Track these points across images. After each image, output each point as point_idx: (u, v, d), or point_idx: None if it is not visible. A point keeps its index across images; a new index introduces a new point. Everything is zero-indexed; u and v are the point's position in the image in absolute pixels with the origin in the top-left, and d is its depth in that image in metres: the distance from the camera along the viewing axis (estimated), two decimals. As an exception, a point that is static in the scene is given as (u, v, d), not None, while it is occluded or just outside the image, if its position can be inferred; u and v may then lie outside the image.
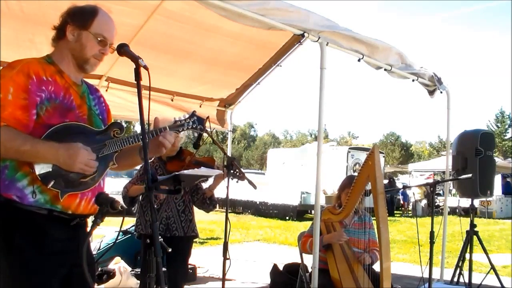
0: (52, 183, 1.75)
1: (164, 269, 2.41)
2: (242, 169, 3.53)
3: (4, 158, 1.72)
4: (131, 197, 3.46)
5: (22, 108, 1.72)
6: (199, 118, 2.09)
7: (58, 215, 1.79)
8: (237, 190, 3.86)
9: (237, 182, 3.48)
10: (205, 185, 3.78)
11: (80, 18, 1.90)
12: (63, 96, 1.85)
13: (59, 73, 1.88)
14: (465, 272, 4.72)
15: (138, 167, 3.65)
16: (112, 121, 2.13)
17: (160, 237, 1.74)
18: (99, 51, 1.93)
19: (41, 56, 1.94)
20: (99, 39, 1.91)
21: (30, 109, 1.74)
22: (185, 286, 3.65)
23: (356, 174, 3.73)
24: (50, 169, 1.76)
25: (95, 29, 1.90)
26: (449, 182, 5.28)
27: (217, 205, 3.84)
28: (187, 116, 2.08)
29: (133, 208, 3.82)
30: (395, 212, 18.92)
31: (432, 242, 3.95)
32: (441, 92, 5.39)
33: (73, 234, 1.87)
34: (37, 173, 1.73)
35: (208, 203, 3.67)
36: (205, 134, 3.48)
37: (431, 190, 4.40)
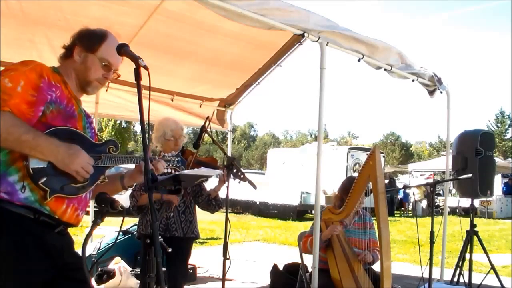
0: (43, 179, 1.74)
1: (164, 269, 2.42)
2: (242, 169, 3.54)
3: (3, 146, 1.69)
4: (140, 206, 3.47)
5: (28, 103, 1.73)
6: (182, 159, 2.44)
7: (44, 220, 1.78)
8: (237, 190, 3.88)
9: (239, 182, 3.48)
10: (209, 186, 3.78)
11: (88, 41, 1.95)
12: (66, 104, 1.88)
13: (64, 83, 1.92)
14: (465, 272, 4.72)
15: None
16: (110, 138, 2.20)
17: (160, 237, 1.74)
18: (102, 75, 1.98)
19: (42, 56, 1.95)
20: (103, 63, 1.96)
21: (38, 106, 1.75)
22: (185, 286, 3.64)
23: (356, 174, 3.73)
24: (45, 166, 1.75)
25: (101, 54, 1.95)
26: (449, 182, 5.28)
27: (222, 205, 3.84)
28: (174, 154, 2.45)
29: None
30: (395, 212, 18.92)
31: (432, 242, 3.95)
32: (441, 92, 5.39)
33: (58, 240, 1.86)
34: (31, 166, 1.72)
35: (214, 204, 3.67)
36: (204, 134, 3.50)
37: (431, 190, 4.40)
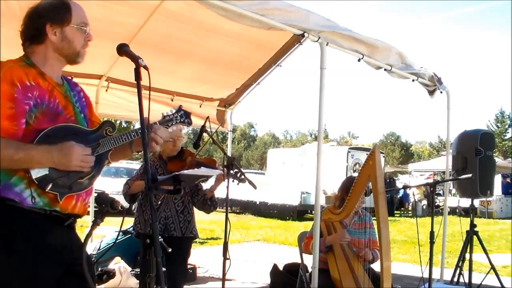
0: (50, 186, 1.74)
1: (164, 269, 2.42)
2: (242, 169, 3.53)
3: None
4: (132, 194, 3.46)
5: (8, 118, 1.68)
6: (185, 112, 2.14)
7: (56, 214, 1.80)
8: (237, 190, 3.89)
9: (237, 184, 3.47)
10: (205, 186, 3.77)
11: (57, 16, 1.85)
12: (48, 100, 1.81)
13: (41, 75, 1.82)
14: (465, 272, 4.72)
15: (138, 167, 3.66)
16: (105, 119, 2.12)
17: (159, 237, 1.74)
18: (84, 39, 1.92)
19: None
20: (82, 27, 1.90)
21: (18, 118, 1.71)
22: (185, 286, 3.65)
23: (356, 174, 3.73)
24: (47, 172, 1.74)
25: (75, 20, 1.88)
26: (449, 182, 5.28)
27: (218, 205, 3.84)
28: (174, 111, 2.12)
29: (133, 207, 3.81)
30: (395, 212, 18.91)
31: (432, 242, 3.95)
32: (441, 92, 5.39)
33: (68, 234, 1.88)
34: (33, 177, 1.72)
35: (209, 204, 3.67)
36: (205, 134, 3.50)
37: (431, 190, 4.40)
